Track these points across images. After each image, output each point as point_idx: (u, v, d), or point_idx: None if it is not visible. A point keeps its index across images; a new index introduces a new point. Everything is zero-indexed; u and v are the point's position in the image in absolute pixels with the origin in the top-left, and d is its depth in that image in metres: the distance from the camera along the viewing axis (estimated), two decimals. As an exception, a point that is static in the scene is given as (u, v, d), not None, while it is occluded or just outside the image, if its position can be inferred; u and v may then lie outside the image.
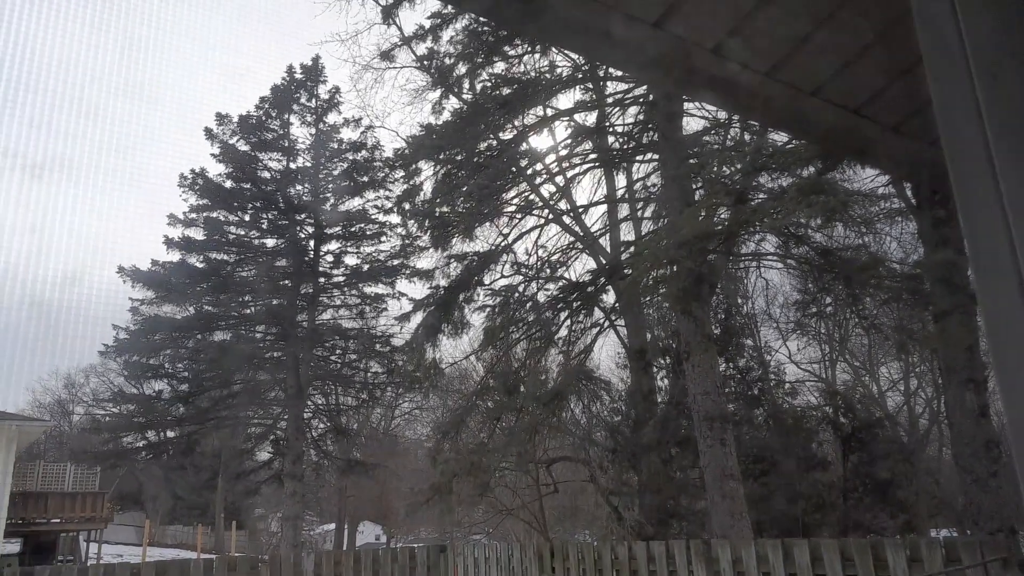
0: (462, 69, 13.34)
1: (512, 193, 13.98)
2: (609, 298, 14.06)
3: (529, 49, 12.87)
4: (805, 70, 1.46)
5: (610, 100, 13.49)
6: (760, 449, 13.55)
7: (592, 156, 14.14)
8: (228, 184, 23.15)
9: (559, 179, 14.46)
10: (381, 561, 7.93)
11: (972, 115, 0.81)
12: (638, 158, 14.31)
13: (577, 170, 14.31)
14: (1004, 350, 0.74)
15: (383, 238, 23.48)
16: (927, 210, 8.88)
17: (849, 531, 12.41)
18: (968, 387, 8.02)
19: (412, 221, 14.93)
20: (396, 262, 22.93)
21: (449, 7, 12.55)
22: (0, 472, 16.46)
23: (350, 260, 23.71)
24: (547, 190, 14.64)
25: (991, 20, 0.80)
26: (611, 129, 14.15)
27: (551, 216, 14.42)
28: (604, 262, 14.06)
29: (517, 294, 12.98)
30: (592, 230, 15.00)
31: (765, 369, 15.86)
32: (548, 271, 13.43)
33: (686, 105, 12.02)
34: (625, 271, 12.47)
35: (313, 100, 24.21)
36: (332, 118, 24.15)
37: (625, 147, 14.01)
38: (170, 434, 24.95)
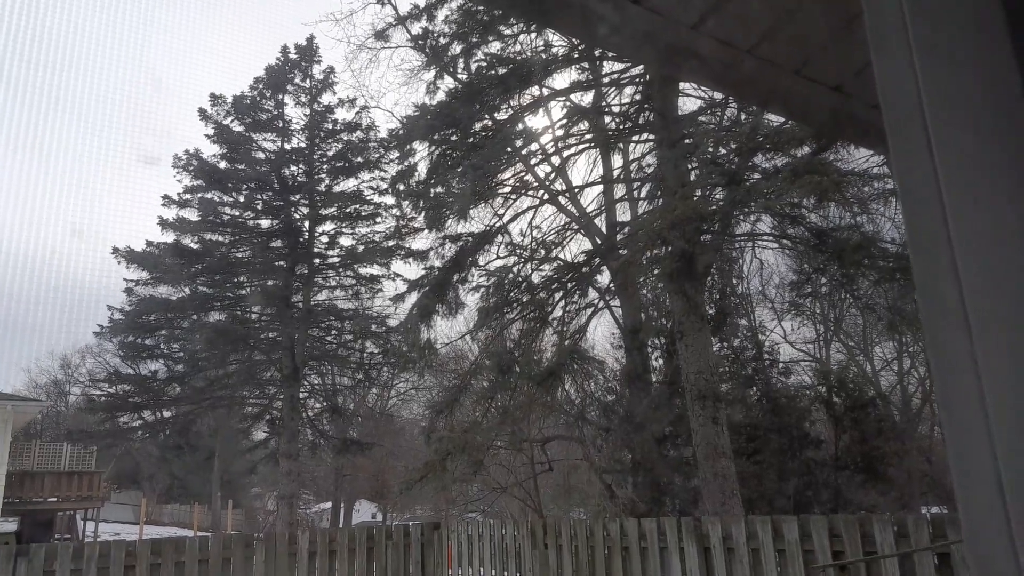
0: (457, 48, 13.26)
1: (507, 174, 13.94)
2: (604, 278, 14.08)
3: (524, 28, 12.79)
4: (786, 48, 1.46)
5: (606, 80, 13.43)
6: (753, 428, 13.64)
7: (588, 136, 14.08)
8: (222, 165, 23.06)
9: (555, 159, 14.41)
10: (376, 539, 8.00)
11: (911, 87, 0.83)
12: (634, 138, 14.26)
13: (573, 150, 14.26)
14: (936, 322, 0.76)
15: (378, 219, 23.47)
16: (920, 190, 8.89)
17: (840, 508, 12.53)
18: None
19: (407, 202, 14.91)
20: (391, 243, 22.95)
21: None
22: (-3, 452, 16.52)
23: (345, 241, 23.72)
24: (542, 170, 14.60)
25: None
26: (607, 109, 14.09)
27: (546, 197, 14.39)
28: (599, 242, 14.06)
29: (512, 275, 12.99)
30: (588, 211, 14.98)
31: (759, 349, 15.92)
32: (543, 252, 13.43)
33: (682, 85, 11.97)
34: (620, 251, 12.49)
35: (307, 80, 24.07)
36: (326, 98, 24.05)
37: (621, 127, 13.95)
38: (166, 414, 25.03)
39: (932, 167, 0.78)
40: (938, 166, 0.78)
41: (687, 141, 11.06)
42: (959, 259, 0.76)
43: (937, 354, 0.76)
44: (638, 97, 13.29)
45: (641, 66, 12.19)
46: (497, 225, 13.25)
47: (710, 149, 10.59)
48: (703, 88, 12.24)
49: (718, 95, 11.77)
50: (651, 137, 13.35)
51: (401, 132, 13.91)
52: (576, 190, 14.95)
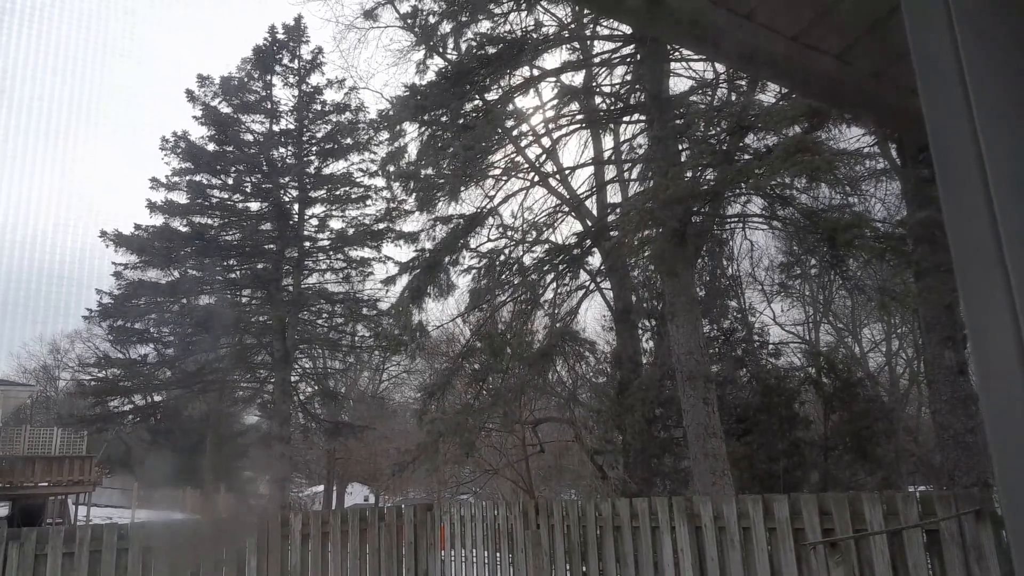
0: (446, 27, 13.14)
1: (498, 155, 13.86)
2: (595, 260, 14.07)
3: (514, 6, 12.67)
4: (785, 13, 1.43)
5: (597, 60, 13.33)
6: (743, 409, 13.72)
7: (579, 117, 14.00)
8: (211, 147, 22.85)
9: (545, 141, 14.34)
10: (369, 520, 8.01)
11: (951, 62, 0.79)
12: (625, 119, 14.18)
13: (563, 131, 14.19)
14: (977, 306, 0.73)
15: (368, 201, 23.34)
16: (911, 169, 8.90)
17: (828, 488, 12.63)
18: (947, 345, 8.12)
19: (397, 184, 14.81)
20: (381, 226, 22.84)
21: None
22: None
23: (335, 224, 23.60)
24: (533, 152, 14.53)
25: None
26: (598, 90, 14.00)
27: (537, 178, 14.33)
28: (590, 224, 14.03)
29: (503, 257, 12.96)
30: (578, 192, 14.93)
31: (749, 330, 15.97)
32: (534, 233, 13.39)
33: (673, 65, 11.90)
34: (611, 233, 12.46)
35: (296, 61, 23.82)
36: (315, 79, 23.82)
37: (612, 108, 13.87)
38: (157, 398, 24.95)
39: (975, 140, 0.74)
40: (980, 137, 0.74)
41: (678, 121, 11.00)
42: (997, 207, 0.72)
43: (973, 313, 0.73)
44: (629, 77, 13.20)
45: (632, 46, 12.10)
46: (488, 207, 13.20)
47: (701, 129, 10.54)
48: (694, 68, 12.19)
49: (709, 74, 11.72)
50: (642, 118, 13.28)
51: (391, 113, 13.78)
52: (567, 171, 14.89)
